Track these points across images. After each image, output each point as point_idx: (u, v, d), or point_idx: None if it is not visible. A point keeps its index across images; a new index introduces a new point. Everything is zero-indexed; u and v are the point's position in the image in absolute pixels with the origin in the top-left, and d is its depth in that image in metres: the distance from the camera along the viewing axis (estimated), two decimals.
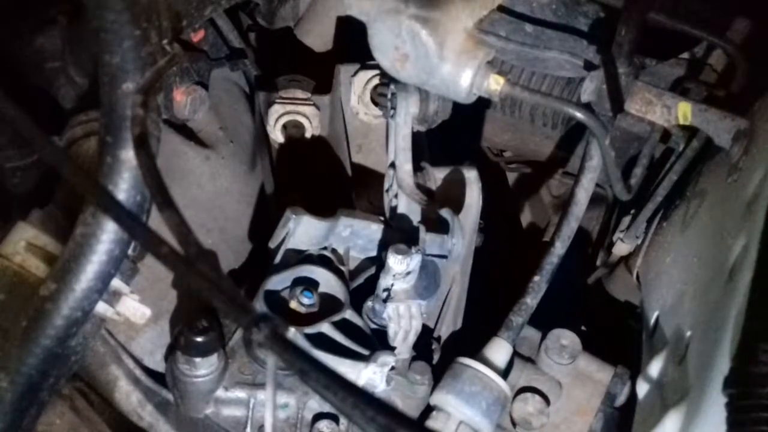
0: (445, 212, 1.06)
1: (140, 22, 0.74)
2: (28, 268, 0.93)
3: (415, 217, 1.11)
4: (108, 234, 0.80)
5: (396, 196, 1.12)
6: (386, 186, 1.15)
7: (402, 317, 1.01)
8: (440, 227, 1.05)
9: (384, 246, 1.06)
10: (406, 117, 1.08)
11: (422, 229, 1.02)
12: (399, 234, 1.07)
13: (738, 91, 1.06)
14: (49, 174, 1.09)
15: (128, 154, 0.77)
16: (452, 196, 1.13)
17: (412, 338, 1.03)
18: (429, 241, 1.02)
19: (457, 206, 1.11)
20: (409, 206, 1.11)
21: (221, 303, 0.53)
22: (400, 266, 0.99)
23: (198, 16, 0.89)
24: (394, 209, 1.13)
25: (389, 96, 1.10)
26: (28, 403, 0.85)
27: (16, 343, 0.83)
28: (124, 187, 0.79)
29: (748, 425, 0.63)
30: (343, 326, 1.02)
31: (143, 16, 0.74)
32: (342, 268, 1.09)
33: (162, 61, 0.75)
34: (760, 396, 0.63)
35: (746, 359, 0.66)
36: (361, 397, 0.49)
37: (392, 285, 1.01)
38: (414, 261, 1.00)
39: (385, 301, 1.02)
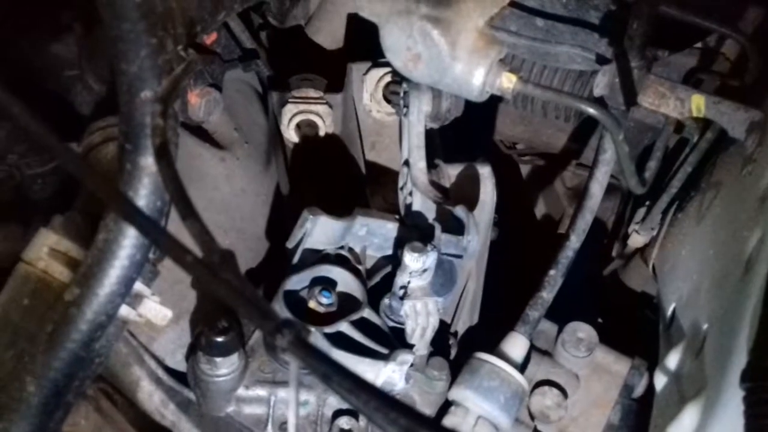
0: (459, 210, 1.06)
1: (156, 31, 0.75)
2: (52, 274, 0.94)
3: (430, 214, 1.11)
4: (129, 239, 0.82)
5: (411, 193, 1.12)
6: (400, 184, 1.15)
7: (419, 314, 1.02)
8: (455, 225, 1.05)
9: (400, 244, 1.07)
10: (419, 115, 1.08)
11: (438, 228, 1.02)
12: (414, 232, 1.07)
13: (751, 82, 1.06)
14: (69, 180, 1.11)
15: (147, 161, 0.79)
16: (466, 192, 1.13)
17: (429, 335, 1.04)
18: (444, 240, 1.03)
19: (472, 202, 1.12)
20: (423, 203, 1.12)
21: (245, 309, 0.54)
22: (417, 264, 1.00)
23: (212, 22, 0.90)
24: (408, 207, 1.14)
25: (402, 94, 1.10)
26: (54, 406, 0.86)
27: (42, 348, 0.85)
28: (143, 194, 0.80)
29: (766, 418, 0.63)
30: (362, 325, 1.03)
31: (159, 24, 0.75)
32: (359, 267, 1.10)
33: (179, 69, 0.76)
34: None
35: (763, 352, 0.66)
36: (384, 399, 0.50)
37: (409, 282, 1.02)
38: (430, 258, 1.01)
39: (402, 298, 1.02)
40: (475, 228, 1.05)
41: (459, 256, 1.03)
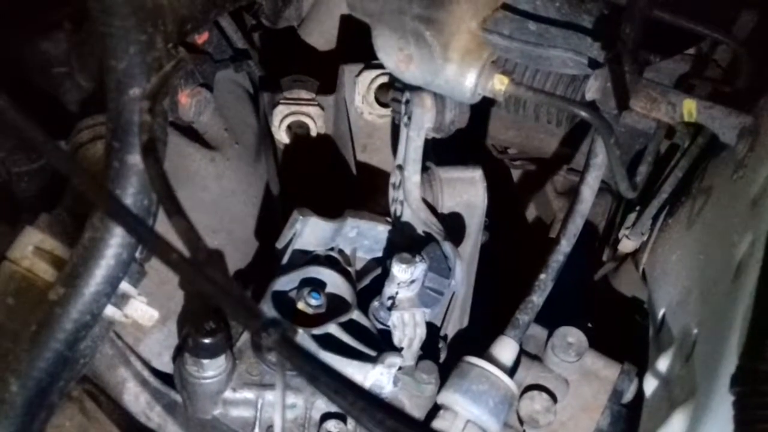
0: (447, 247, 1.03)
1: (146, 28, 0.74)
2: (37, 273, 0.93)
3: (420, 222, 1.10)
4: (116, 238, 0.81)
5: (401, 202, 1.11)
6: (392, 180, 1.14)
7: (407, 325, 1.02)
8: (441, 257, 1.03)
9: (390, 247, 1.06)
10: (420, 131, 1.06)
11: (424, 266, 1.01)
12: (405, 237, 1.07)
13: (743, 88, 1.06)
14: (56, 178, 1.10)
15: (135, 159, 0.78)
16: (457, 196, 1.13)
17: (416, 346, 1.03)
18: (430, 277, 1.02)
19: (463, 206, 1.11)
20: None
21: (231, 308, 0.54)
22: (405, 275, 1.00)
23: (203, 20, 0.89)
24: (399, 208, 1.13)
25: (403, 101, 1.08)
26: (38, 407, 0.85)
27: (26, 347, 0.84)
28: (131, 192, 0.80)
29: (755, 424, 0.63)
30: (350, 327, 1.03)
31: (149, 21, 0.74)
32: (349, 268, 1.09)
33: (168, 66, 0.75)
34: (767, 394, 0.63)
35: (753, 357, 0.66)
36: (370, 400, 0.50)
37: (397, 293, 1.01)
38: (418, 270, 1.00)
39: (389, 309, 1.02)
40: (461, 265, 1.04)
41: (441, 293, 1.02)
